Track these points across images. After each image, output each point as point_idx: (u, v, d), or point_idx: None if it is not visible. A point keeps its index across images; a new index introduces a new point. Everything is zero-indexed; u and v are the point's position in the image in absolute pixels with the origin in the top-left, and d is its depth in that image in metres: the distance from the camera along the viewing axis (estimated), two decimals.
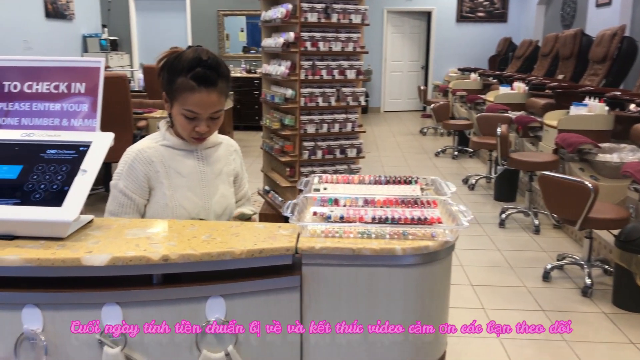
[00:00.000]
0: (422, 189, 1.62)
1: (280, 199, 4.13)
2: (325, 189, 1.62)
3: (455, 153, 7.70)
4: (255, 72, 9.81)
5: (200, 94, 1.56)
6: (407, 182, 1.66)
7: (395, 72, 12.30)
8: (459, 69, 10.94)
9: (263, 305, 1.24)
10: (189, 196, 1.67)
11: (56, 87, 1.39)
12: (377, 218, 1.36)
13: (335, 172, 4.12)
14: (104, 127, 1.41)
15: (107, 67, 7.30)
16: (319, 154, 4.07)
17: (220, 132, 1.82)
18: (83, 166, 1.29)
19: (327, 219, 1.37)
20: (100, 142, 1.34)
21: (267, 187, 4.47)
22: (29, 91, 1.39)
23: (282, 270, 1.25)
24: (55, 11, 8.53)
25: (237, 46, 10.95)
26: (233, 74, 9.70)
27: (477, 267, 3.87)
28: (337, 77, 4.01)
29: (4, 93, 1.39)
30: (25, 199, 1.24)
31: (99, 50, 9.58)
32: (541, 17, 10.36)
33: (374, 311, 1.27)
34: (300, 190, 1.60)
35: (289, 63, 3.97)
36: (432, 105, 8.17)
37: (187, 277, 1.22)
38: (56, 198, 1.23)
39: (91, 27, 9.90)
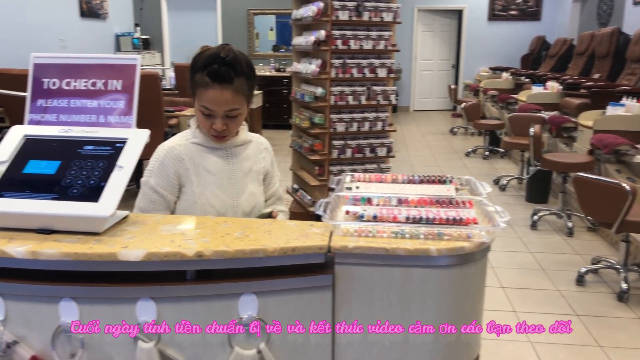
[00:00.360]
0: (456, 189, 1.60)
1: (308, 197, 4.13)
2: (357, 187, 1.60)
3: (486, 153, 7.58)
4: (284, 71, 9.83)
5: (214, 90, 1.56)
6: (441, 181, 1.63)
7: (425, 71, 12.19)
8: (491, 68, 10.78)
9: (295, 303, 1.24)
10: (217, 194, 1.68)
11: (93, 84, 1.41)
12: (411, 218, 1.35)
13: (365, 171, 4.10)
14: (137, 125, 1.43)
15: None
16: (349, 152, 4.06)
17: (250, 130, 1.82)
18: (119, 162, 1.31)
19: (360, 218, 1.36)
20: (136, 139, 1.36)
21: (295, 186, 4.48)
22: (67, 88, 1.41)
23: (314, 268, 1.24)
24: (90, 10, 8.69)
25: (266, 45, 11.00)
26: (262, 73, 9.76)
27: (508, 269, 3.80)
28: (368, 75, 3.98)
29: (43, 90, 1.41)
30: (63, 194, 1.25)
31: (131, 49, 9.74)
32: (576, 15, 10.13)
33: (407, 312, 1.25)
34: (331, 189, 1.59)
35: (319, 61, 3.96)
36: (462, 105, 8.08)
37: (220, 274, 1.23)
38: (93, 193, 1.25)
39: (124, 26, 10.06)
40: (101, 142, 1.35)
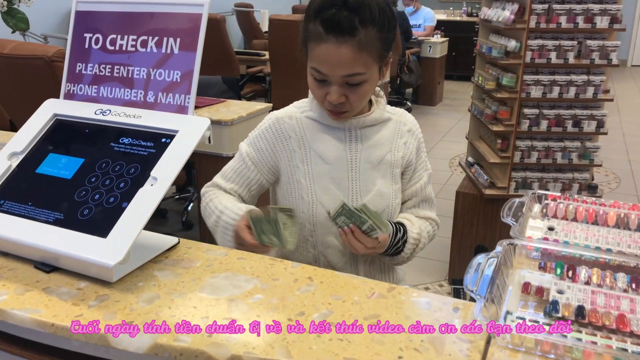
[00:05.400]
0: None
1: (485, 177, 3.40)
2: (551, 229, 0.95)
3: None
4: (476, 16, 8.77)
5: (328, 45, 1.05)
6: None
7: None
8: None
9: None
10: (330, 189, 1.17)
11: (143, 44, 0.94)
12: None
13: (563, 150, 3.24)
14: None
15: None
16: (544, 125, 3.20)
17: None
18: (155, 172, 0.84)
19: (551, 310, 0.72)
20: (189, 134, 0.87)
21: (471, 159, 3.75)
22: (112, 48, 0.97)
23: None
24: None
25: None
26: (451, 18, 8.82)
27: None
28: (582, 25, 3.04)
29: (83, 50, 0.99)
30: (70, 215, 0.83)
31: None
32: None
33: None
34: (504, 223, 0.96)
35: (515, 7, 3.12)
36: None
37: None
38: (107, 219, 0.80)
39: None
40: (142, 134, 0.89)
